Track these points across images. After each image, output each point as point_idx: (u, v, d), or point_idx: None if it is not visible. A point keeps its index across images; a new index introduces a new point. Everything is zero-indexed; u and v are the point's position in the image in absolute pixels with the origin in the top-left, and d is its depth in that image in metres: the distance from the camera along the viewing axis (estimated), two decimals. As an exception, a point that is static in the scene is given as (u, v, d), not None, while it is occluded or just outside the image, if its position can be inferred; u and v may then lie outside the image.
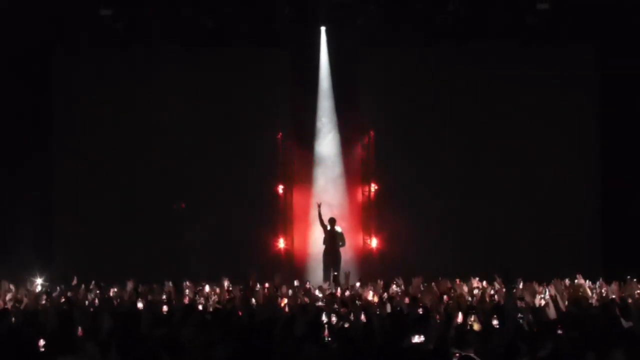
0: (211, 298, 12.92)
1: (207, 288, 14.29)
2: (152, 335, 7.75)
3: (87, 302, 12.21)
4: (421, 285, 13.20)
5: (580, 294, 12.11)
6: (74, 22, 17.97)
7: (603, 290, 13.15)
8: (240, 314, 9.88)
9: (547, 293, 11.37)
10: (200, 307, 11.43)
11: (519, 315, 8.71)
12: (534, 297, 11.39)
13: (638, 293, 12.60)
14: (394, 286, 13.66)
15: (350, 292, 13.20)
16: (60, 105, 19.23)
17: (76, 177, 19.05)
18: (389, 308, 10.51)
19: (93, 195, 18.91)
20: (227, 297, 12.62)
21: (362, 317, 9.30)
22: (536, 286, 12.68)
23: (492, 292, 12.79)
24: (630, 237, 17.93)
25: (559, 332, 8.02)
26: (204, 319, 9.19)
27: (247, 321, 8.83)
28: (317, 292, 13.52)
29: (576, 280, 13.84)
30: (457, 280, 14.07)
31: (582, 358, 6.73)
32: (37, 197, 18.40)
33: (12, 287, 13.44)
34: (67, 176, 19.17)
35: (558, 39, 18.74)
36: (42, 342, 7.65)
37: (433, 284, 13.69)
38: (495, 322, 9.07)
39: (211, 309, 11.43)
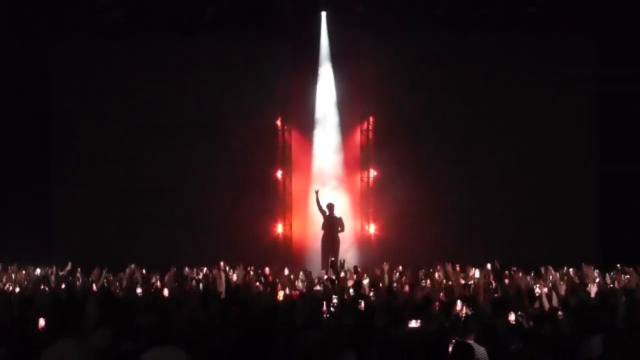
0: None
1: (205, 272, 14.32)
2: (150, 321, 7.73)
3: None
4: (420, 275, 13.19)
5: (578, 282, 12.13)
6: (73, 9, 17.95)
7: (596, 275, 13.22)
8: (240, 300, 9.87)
9: (548, 281, 11.40)
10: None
11: (518, 313, 8.69)
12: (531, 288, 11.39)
13: (627, 278, 12.63)
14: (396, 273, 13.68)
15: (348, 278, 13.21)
16: (59, 92, 19.20)
17: (75, 163, 19.06)
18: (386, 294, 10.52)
19: (92, 181, 18.91)
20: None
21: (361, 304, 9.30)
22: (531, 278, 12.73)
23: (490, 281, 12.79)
24: (629, 229, 18.00)
25: (558, 318, 8.05)
26: (207, 305, 9.18)
27: (247, 309, 8.83)
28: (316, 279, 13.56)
29: (571, 270, 13.89)
30: (457, 267, 14.10)
31: (578, 345, 6.78)
32: (36, 186, 18.44)
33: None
34: (65, 164, 19.19)
35: (558, 30, 18.74)
36: (42, 322, 7.64)
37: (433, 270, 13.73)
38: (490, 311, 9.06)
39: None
